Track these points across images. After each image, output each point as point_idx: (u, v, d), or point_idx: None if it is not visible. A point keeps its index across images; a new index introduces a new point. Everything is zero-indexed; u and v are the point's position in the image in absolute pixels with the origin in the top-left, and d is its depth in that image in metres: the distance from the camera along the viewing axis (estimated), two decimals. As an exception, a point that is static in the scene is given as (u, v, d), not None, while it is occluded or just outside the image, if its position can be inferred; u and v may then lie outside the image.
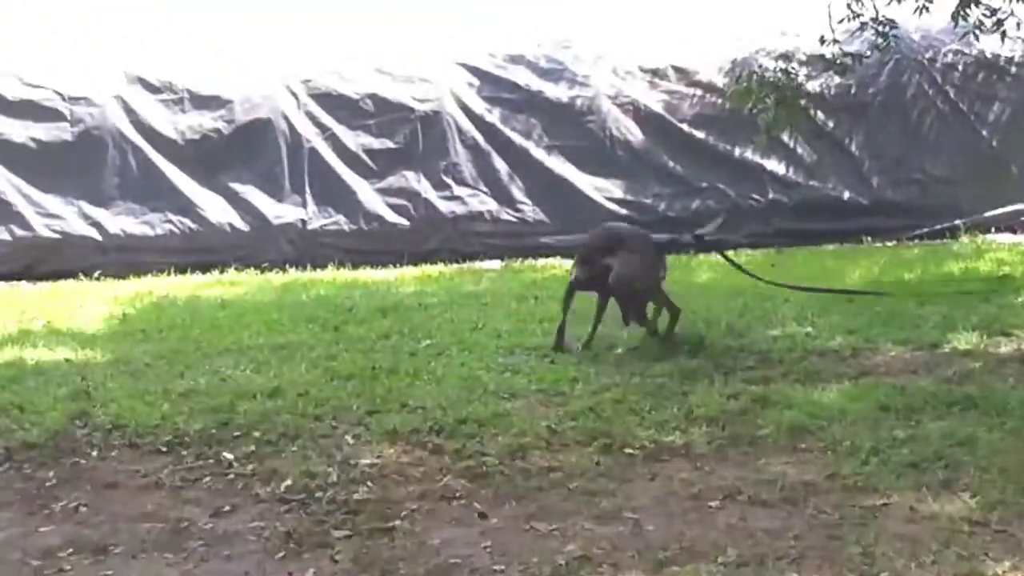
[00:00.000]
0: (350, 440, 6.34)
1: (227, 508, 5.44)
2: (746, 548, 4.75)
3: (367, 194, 13.25)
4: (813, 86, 12.15)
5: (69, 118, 13.23)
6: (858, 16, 10.21)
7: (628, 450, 6.03)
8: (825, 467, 5.68)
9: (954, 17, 10.23)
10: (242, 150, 13.29)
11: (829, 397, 6.81)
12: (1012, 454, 5.69)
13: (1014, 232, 13.65)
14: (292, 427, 6.52)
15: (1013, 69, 14.03)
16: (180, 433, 6.49)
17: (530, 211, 13.40)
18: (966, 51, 13.90)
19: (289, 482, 5.68)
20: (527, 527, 5.09)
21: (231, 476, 5.86)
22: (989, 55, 13.93)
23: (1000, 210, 13.86)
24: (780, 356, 7.93)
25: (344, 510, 5.34)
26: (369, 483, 5.66)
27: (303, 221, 13.12)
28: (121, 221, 13.06)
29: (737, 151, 13.62)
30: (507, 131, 13.49)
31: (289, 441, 6.33)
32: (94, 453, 6.27)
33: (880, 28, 10.22)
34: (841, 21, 10.24)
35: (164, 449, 6.29)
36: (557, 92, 13.59)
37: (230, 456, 6.12)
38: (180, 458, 6.16)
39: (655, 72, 13.77)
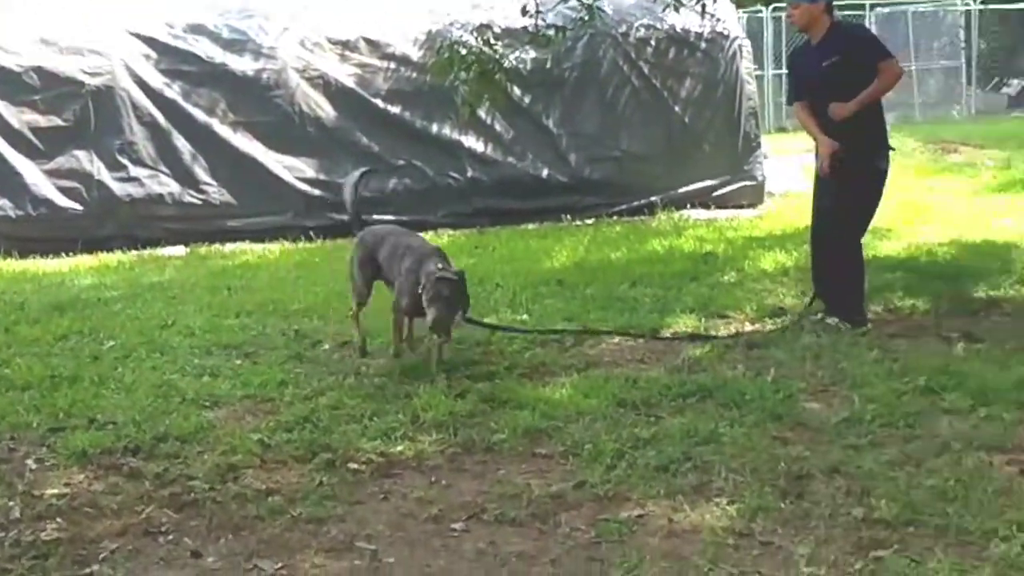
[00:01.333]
0: (32, 465, 5.52)
1: None
2: (501, 579, 4.25)
3: (34, 176, 12.07)
4: (509, 61, 11.74)
5: None
6: (561, -11, 9.89)
7: (353, 465, 5.44)
8: (570, 475, 5.24)
9: (654, -9, 10.05)
10: None
11: (561, 393, 6.40)
12: (760, 452, 5.41)
13: (707, 208, 13.73)
14: (-40, 452, 5.64)
15: (703, 45, 14.06)
16: None
17: (215, 193, 12.52)
18: (658, 26, 13.85)
19: (-40, 522, 4.83)
20: (249, 566, 4.44)
21: None
22: (680, 30, 13.92)
23: (694, 186, 13.93)
24: (502, 348, 7.49)
25: (32, 553, 4.55)
26: (59, 518, 4.87)
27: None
28: None
29: (434, 127, 13.13)
30: (188, 107, 12.54)
31: (-42, 470, 5.45)
32: None
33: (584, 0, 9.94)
34: (545, -7, 9.89)
35: None
36: (242, 65, 12.73)
37: None
38: None
39: (346, 44, 13.09)
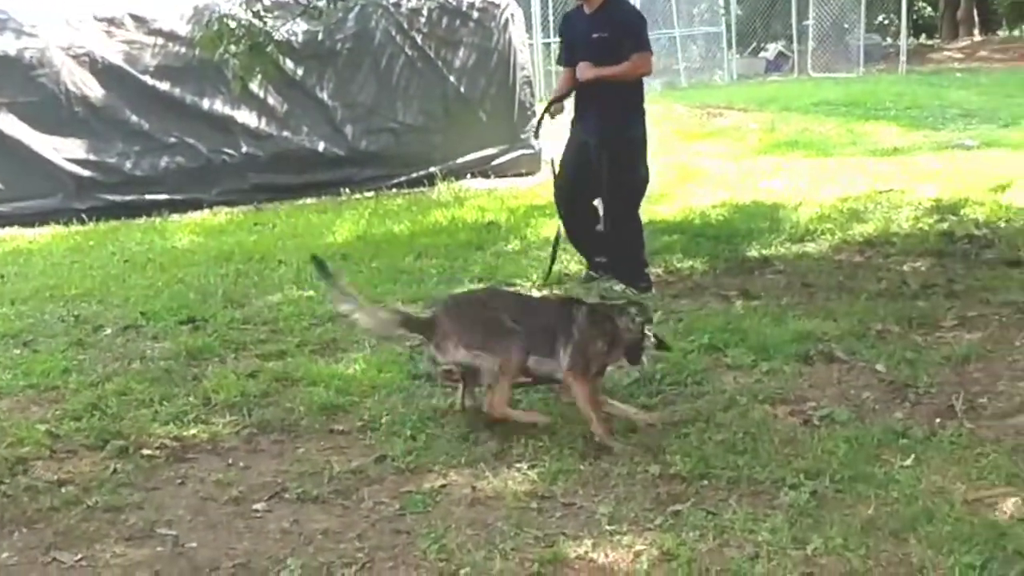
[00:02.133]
0: None
1: None
2: (308, 557, 4.23)
3: None
4: (280, 33, 11.56)
5: None
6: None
7: (147, 451, 5.32)
8: (370, 450, 5.25)
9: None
10: None
11: (355, 368, 6.37)
12: (556, 416, 5.49)
13: (487, 177, 13.83)
14: None
15: (475, 14, 14.12)
16: None
17: (-21, 176, 12.02)
18: (429, -4, 13.85)
19: None
20: (48, 559, 4.31)
21: None
22: (452, 1, 13.94)
23: (472, 156, 14.00)
24: (290, 325, 7.42)
25: None
26: None
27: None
28: None
29: (206, 103, 12.84)
30: (-55, 89, 12.01)
31: None
32: None
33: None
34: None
35: None
36: (2, 44, 12.21)
37: None
38: None
39: (111, 21, 12.67)
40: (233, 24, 9.99)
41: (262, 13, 10.50)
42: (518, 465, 4.97)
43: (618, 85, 7.92)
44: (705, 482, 4.71)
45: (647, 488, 4.69)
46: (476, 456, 5.08)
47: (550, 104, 8.32)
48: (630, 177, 8.11)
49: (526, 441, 5.19)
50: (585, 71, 7.93)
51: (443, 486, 4.81)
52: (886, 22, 33.38)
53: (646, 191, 8.35)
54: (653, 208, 11.07)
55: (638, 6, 25.83)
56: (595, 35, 7.93)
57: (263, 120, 13.11)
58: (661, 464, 4.89)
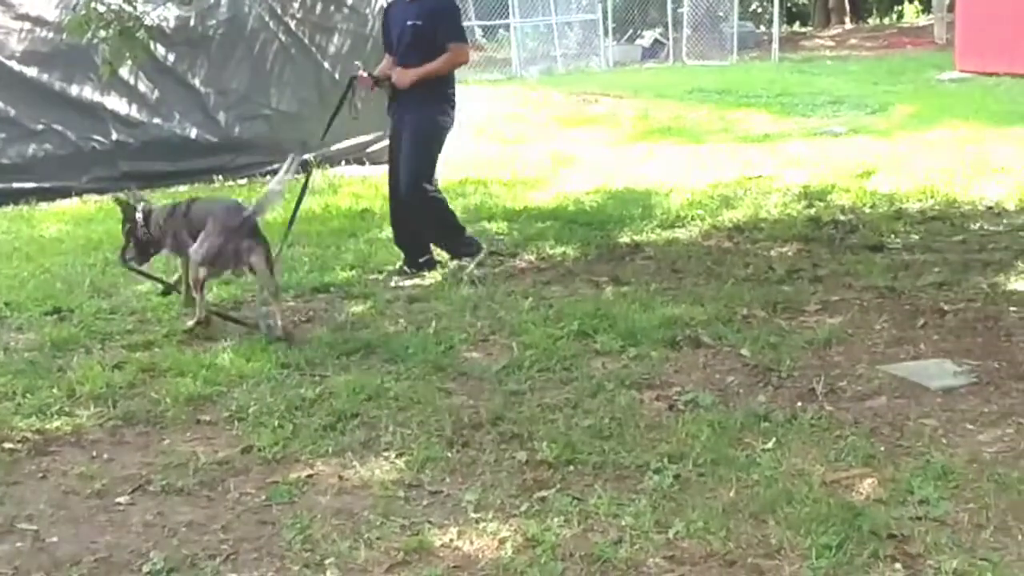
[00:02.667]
0: None
1: None
2: (171, 550, 4.19)
3: None
4: (151, 18, 11.38)
5: None
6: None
7: (8, 444, 5.23)
8: (236, 440, 5.22)
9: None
10: None
11: (223, 358, 6.31)
12: (425, 404, 5.52)
13: (362, 164, 13.76)
14: None
15: (349, 0, 14.03)
16: None
17: None
18: (302, -21, 13.73)
19: None
20: (-99, 559, 4.21)
21: None
22: (323, -16, 13.85)
23: (346, 143, 13.89)
24: (158, 315, 7.33)
25: None
26: None
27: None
28: None
29: (75, 90, 12.58)
30: None
31: None
32: None
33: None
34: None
35: None
36: None
37: None
38: None
39: (-26, 4, 12.39)
40: (102, 8, 9.82)
41: (131, -2, 10.34)
42: (386, 454, 4.98)
43: (430, 80, 8.10)
44: (571, 468, 4.76)
45: (513, 475, 4.73)
46: (343, 445, 5.08)
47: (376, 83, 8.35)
48: (427, 156, 8.27)
49: (394, 430, 5.21)
50: (402, 77, 8.12)
51: (310, 476, 4.80)
52: (759, 10, 33.94)
53: (435, 174, 8.44)
54: (528, 195, 11.19)
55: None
56: (410, 22, 8.11)
57: (134, 107, 12.89)
58: (528, 451, 4.94)
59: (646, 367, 6.00)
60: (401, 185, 8.28)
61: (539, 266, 8.45)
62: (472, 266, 8.18)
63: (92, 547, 4.26)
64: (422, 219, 8.31)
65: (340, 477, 4.77)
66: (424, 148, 8.23)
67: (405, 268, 8.36)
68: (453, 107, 8.32)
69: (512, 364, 6.07)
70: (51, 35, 12.44)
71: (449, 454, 4.94)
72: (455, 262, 8.34)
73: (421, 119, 8.16)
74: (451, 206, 8.59)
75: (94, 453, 5.16)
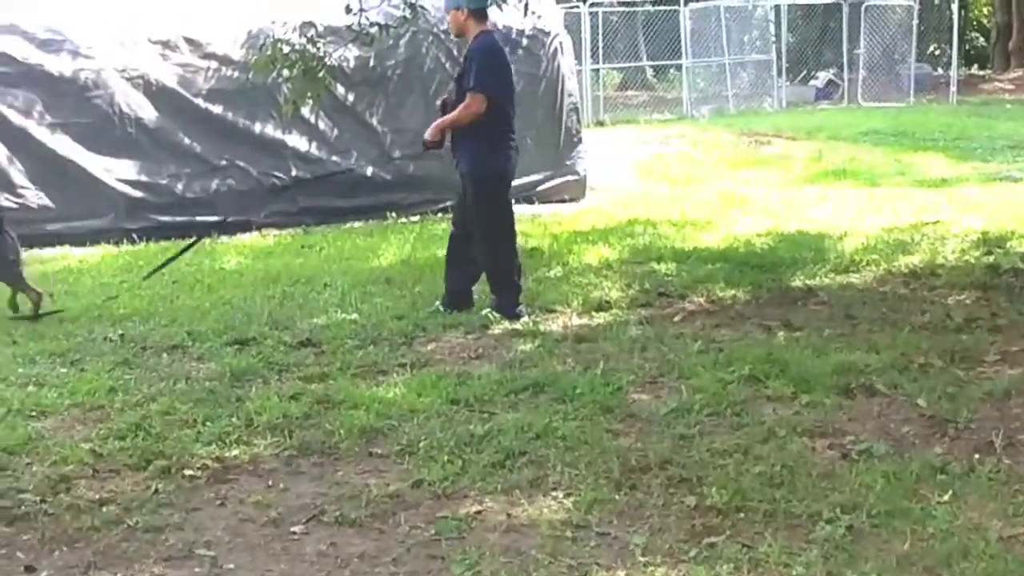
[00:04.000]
0: None
1: None
2: (343, 580, 4.28)
3: None
4: (332, 59, 11.69)
5: None
6: (386, -14, 9.93)
7: (188, 471, 5.39)
8: (407, 474, 5.29)
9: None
10: None
11: (394, 392, 6.43)
12: (593, 445, 5.53)
13: (531, 203, 13.87)
14: None
15: (524, 41, 14.20)
16: None
17: (33, 196, 12.15)
18: (479, 24, 13.90)
19: None
20: (86, 578, 4.38)
21: None
22: (501, 27, 13.98)
23: (517, 181, 13.95)
24: (333, 348, 7.49)
25: None
26: None
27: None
28: None
29: (257, 127, 12.98)
30: (3, 108, 12.16)
31: None
32: None
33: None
34: (369, -10, 9.91)
35: None
36: (58, 65, 12.39)
37: None
38: None
39: (166, 44, 12.84)
40: (287, 49, 10.14)
41: (315, 38, 10.65)
42: (554, 493, 5.00)
43: (464, 130, 8.20)
44: (741, 515, 4.72)
45: (682, 520, 4.71)
46: (512, 483, 5.11)
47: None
48: (486, 209, 8.32)
49: (562, 470, 5.23)
50: (427, 133, 8.45)
51: (478, 512, 4.85)
52: (937, 52, 33.23)
53: (509, 223, 8.49)
54: (697, 236, 11.15)
55: (690, 31, 26.40)
56: (459, 68, 8.48)
57: (313, 144, 13.23)
58: (697, 496, 4.91)
59: (819, 414, 5.92)
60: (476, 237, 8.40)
61: (708, 308, 8.40)
62: (487, 311, 8.21)
63: (267, 575, 4.36)
64: (491, 269, 8.38)
65: (508, 515, 4.81)
66: (490, 201, 8.34)
67: (438, 306, 8.43)
68: (496, 154, 8.28)
69: (681, 407, 6.04)
70: (236, 74, 12.87)
71: (617, 496, 4.94)
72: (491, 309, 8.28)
73: (470, 171, 8.27)
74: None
75: (270, 482, 5.29)
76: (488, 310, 8.23)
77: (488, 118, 8.10)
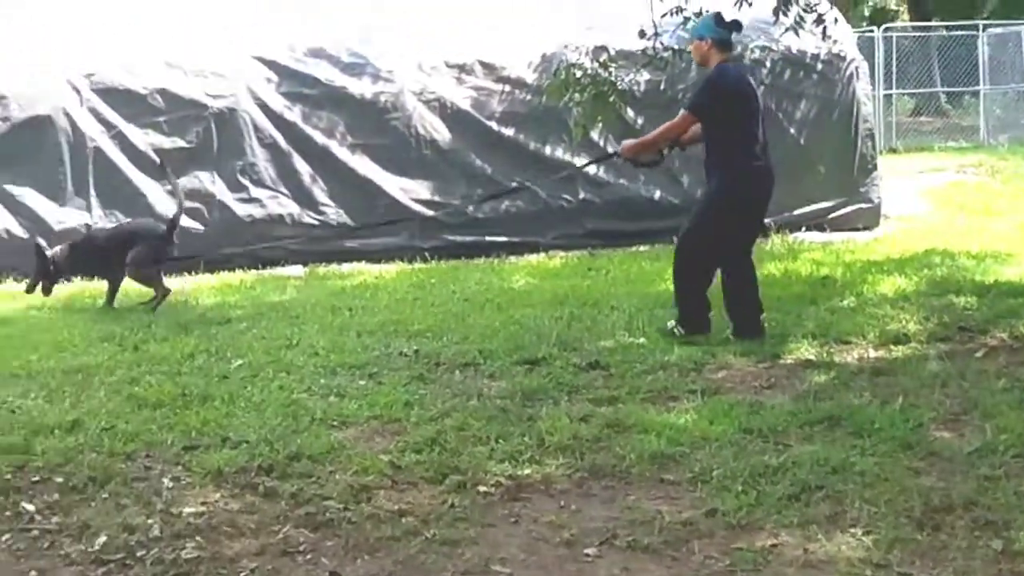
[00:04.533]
0: (168, 483, 5.61)
1: (33, 574, 4.68)
2: (639, 605, 4.27)
3: (157, 196, 12.32)
4: (623, 83, 11.77)
5: None
6: (681, 10, 9.93)
7: (483, 488, 5.47)
8: (700, 502, 5.24)
9: (775, 12, 10.04)
10: (19, 150, 12.16)
11: (685, 419, 6.39)
12: (894, 483, 5.35)
13: (822, 231, 13.63)
14: (100, 469, 5.74)
15: (819, 66, 13.98)
16: (-32, 480, 5.66)
17: (333, 214, 12.70)
18: (773, 47, 13.79)
19: (104, 538, 4.92)
20: (387, 587, 4.50)
21: (34, 532, 5.07)
22: (796, 51, 13.85)
23: (808, 208, 13.83)
24: (622, 371, 7.51)
25: (174, 572, 4.62)
26: (198, 537, 4.95)
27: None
28: None
29: (548, 150, 13.19)
30: (308, 129, 12.74)
31: (98, 487, 5.55)
32: None
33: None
34: (664, 15, 9.94)
35: (-50, 501, 5.46)
36: (360, 88, 12.91)
37: (31, 507, 5.32)
38: (-30, 511, 5.34)
39: (462, 67, 13.22)
40: (579, 73, 10.28)
41: (608, 63, 10.74)
42: (852, 530, 4.86)
43: (708, 145, 8.42)
44: (1052, 561, 4.50)
45: (987, 564, 4.51)
46: (808, 517, 5.00)
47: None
48: (697, 223, 8.48)
49: (861, 506, 5.08)
50: (623, 147, 8.92)
51: (774, 545, 4.75)
52: None
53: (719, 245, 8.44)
54: (998, 269, 10.71)
55: (987, 55, 25.42)
56: None
57: (601, 167, 13.33)
58: (1004, 540, 4.69)
59: None
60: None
61: (1012, 345, 8.05)
62: (671, 326, 8.38)
63: (562, 595, 4.40)
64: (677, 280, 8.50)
65: (805, 549, 4.70)
66: (700, 222, 8.44)
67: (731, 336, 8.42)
68: (738, 182, 8.30)
69: (985, 447, 5.80)
70: (528, 97, 13.12)
71: (919, 536, 4.77)
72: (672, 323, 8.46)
73: (715, 191, 8.40)
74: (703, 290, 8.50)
75: (562, 503, 5.32)
76: (672, 323, 8.44)
77: (723, 146, 8.28)
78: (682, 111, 8.36)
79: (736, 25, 8.45)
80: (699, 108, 8.32)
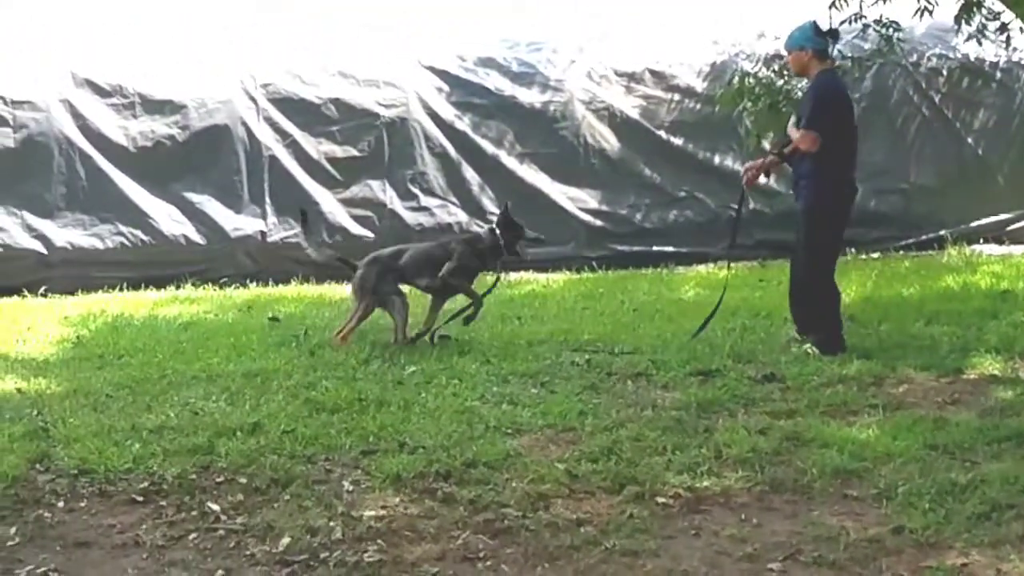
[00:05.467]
0: (349, 487, 5.68)
1: (220, 573, 4.77)
2: (825, 623, 4.17)
3: (330, 205, 12.57)
4: (797, 91, 11.60)
5: (12, 123, 12.33)
6: (861, 17, 9.76)
7: (661, 499, 5.42)
8: (886, 519, 5.11)
9: (957, 20, 9.80)
10: (197, 158, 12.52)
11: (867, 434, 6.24)
12: (1091, 501, 5.15)
13: (1001, 243, 13.26)
14: (281, 471, 5.83)
15: (998, 75, 13.62)
16: (156, 479, 5.77)
17: (502, 223, 12.75)
18: (951, 55, 13.49)
19: (288, 539, 5.00)
20: (576, 597, 4.47)
21: (220, 532, 5.18)
22: (974, 59, 13.51)
23: (986, 220, 13.49)
24: (798, 384, 7.38)
25: (356, 574, 4.69)
26: (379, 540, 5.00)
27: (263, 233, 12.40)
28: (68, 233, 12.23)
29: (717, 159, 13.10)
30: (477, 138, 12.86)
31: (280, 488, 5.64)
32: (60, 504, 5.53)
33: (884, 30, 9.78)
34: (844, 22, 9.78)
35: (140, 498, 5.58)
36: (529, 97, 12.98)
37: (216, 507, 5.43)
38: (159, 509, 5.46)
39: (631, 76, 13.20)
40: (753, 82, 10.16)
41: (783, 71, 10.60)
42: (1047, 551, 4.70)
43: (805, 156, 8.12)
44: None
45: None
46: (1000, 536, 4.84)
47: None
48: (807, 242, 8.31)
49: (1055, 527, 4.91)
50: (747, 172, 8.67)
51: (964, 564, 4.61)
52: None
53: (830, 258, 8.41)
54: None
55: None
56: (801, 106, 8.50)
57: (773, 177, 13.06)
58: None
59: None
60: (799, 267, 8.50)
61: None
62: (807, 346, 8.19)
63: (747, 610, 4.32)
64: (812, 300, 8.34)
65: (998, 569, 4.55)
66: (809, 235, 8.30)
67: (794, 336, 8.46)
68: (832, 192, 8.18)
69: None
70: (698, 106, 13.02)
71: (1118, 560, 4.58)
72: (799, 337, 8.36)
73: (807, 208, 8.27)
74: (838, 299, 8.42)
75: (743, 516, 5.24)
76: (808, 345, 8.21)
77: (825, 156, 8.05)
78: (806, 132, 8.04)
79: (834, 34, 8.48)
80: (824, 126, 8.07)
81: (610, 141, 12.99)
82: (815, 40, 8.27)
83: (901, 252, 12.94)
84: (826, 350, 8.09)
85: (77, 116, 12.42)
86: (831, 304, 8.34)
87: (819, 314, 8.31)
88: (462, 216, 12.71)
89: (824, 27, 9.14)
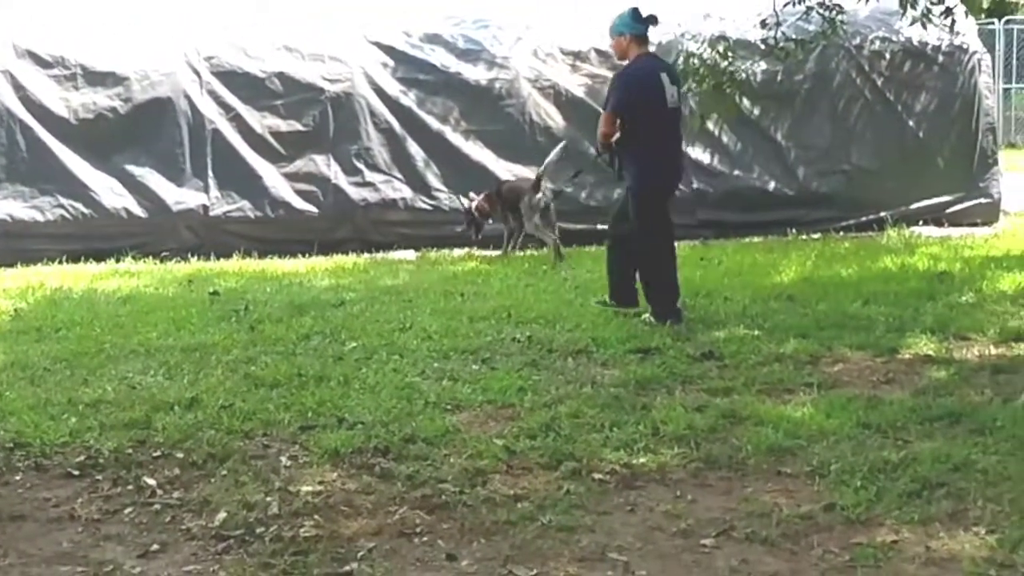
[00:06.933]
0: (286, 462, 5.69)
1: (155, 547, 4.76)
2: (758, 599, 4.22)
3: (274, 179, 12.48)
4: (742, 73, 11.66)
5: (-50, 93, 12.19)
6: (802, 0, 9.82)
7: (597, 475, 5.46)
8: (819, 496, 5.18)
9: (902, 4, 9.88)
10: (140, 131, 12.37)
11: (802, 412, 6.32)
12: (1017, 481, 5.24)
13: (940, 225, 13.41)
14: (219, 446, 5.84)
15: (940, 58, 13.75)
16: (92, 453, 5.77)
17: (446, 199, 12.75)
18: (893, 39, 13.59)
19: (224, 514, 5.00)
20: (504, 571, 4.50)
21: (156, 506, 5.17)
22: (916, 43, 13.63)
23: (926, 202, 13.63)
24: (736, 362, 7.45)
25: (292, 550, 4.68)
26: (316, 515, 5.01)
27: (205, 207, 12.30)
28: (8, 205, 12.04)
29: (662, 140, 13.09)
30: (422, 114, 12.81)
31: (217, 463, 5.65)
32: (-5, 477, 5.53)
33: (828, 13, 9.84)
34: (787, 4, 9.82)
35: (76, 472, 5.57)
36: (475, 74, 12.95)
37: (152, 482, 5.44)
38: (95, 483, 5.45)
39: (577, 55, 13.20)
40: (697, 63, 10.19)
41: (727, 52, 10.64)
42: (975, 528, 4.77)
43: (628, 140, 8.53)
44: None
45: (1120, 568, 4.40)
46: (929, 514, 4.91)
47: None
48: (643, 223, 8.66)
49: (983, 504, 4.99)
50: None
51: (894, 542, 4.68)
52: None
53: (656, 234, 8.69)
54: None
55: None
56: None
57: (716, 157, 13.25)
58: None
59: None
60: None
61: None
62: (646, 316, 8.56)
63: (679, 584, 4.37)
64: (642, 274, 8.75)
65: (927, 547, 4.62)
66: (639, 216, 8.68)
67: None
68: (650, 171, 8.59)
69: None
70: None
71: (1044, 536, 4.67)
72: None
73: (629, 187, 8.84)
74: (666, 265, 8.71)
75: (678, 492, 5.29)
76: (647, 316, 8.57)
77: (633, 139, 8.47)
78: (603, 114, 8.68)
79: (652, 20, 8.62)
80: (619, 106, 8.55)
81: (555, 119, 12.99)
82: (633, 26, 8.57)
83: (841, 233, 13.02)
84: (664, 320, 8.41)
85: (18, 87, 12.23)
86: (663, 275, 8.64)
87: (654, 285, 8.66)
88: (407, 192, 12.68)
89: (767, 7, 9.24)
